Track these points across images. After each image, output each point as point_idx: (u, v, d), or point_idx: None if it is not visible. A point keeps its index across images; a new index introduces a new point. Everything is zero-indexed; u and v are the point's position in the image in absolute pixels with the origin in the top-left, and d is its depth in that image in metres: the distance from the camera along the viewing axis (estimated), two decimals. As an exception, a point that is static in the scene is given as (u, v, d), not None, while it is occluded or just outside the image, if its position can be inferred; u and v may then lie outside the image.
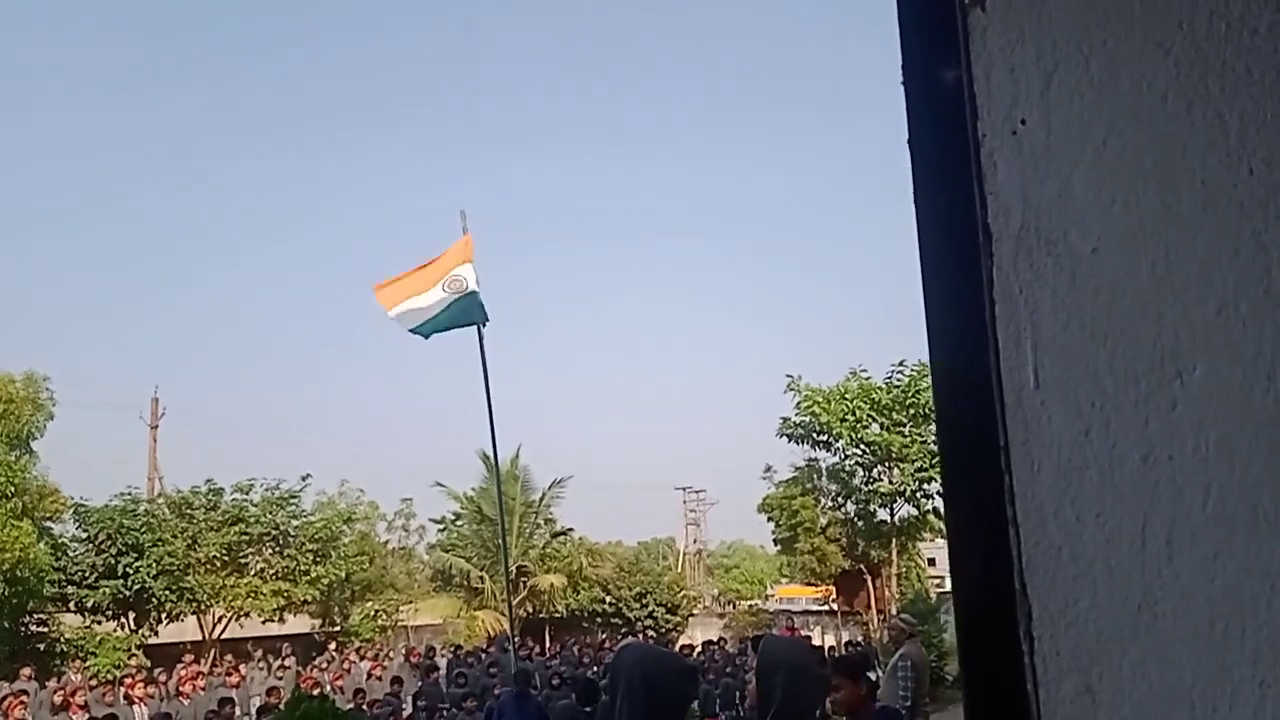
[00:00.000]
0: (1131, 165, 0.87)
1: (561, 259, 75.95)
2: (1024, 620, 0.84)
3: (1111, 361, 0.85)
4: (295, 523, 25.10)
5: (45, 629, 21.10)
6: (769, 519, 29.42)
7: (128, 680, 16.93)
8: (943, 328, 0.93)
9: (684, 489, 55.42)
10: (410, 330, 12.17)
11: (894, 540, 26.38)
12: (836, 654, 21.40)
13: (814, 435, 26.35)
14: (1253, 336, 0.81)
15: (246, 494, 24.75)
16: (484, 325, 12.42)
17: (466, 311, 12.36)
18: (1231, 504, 0.80)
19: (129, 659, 20.99)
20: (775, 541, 31.11)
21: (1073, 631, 0.82)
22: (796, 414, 26.17)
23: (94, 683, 16.68)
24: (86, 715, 13.45)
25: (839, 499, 27.82)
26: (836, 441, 25.98)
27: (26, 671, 16.93)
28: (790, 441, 26.83)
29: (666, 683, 3.56)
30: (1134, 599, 0.81)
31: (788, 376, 26.21)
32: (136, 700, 15.22)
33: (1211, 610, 0.79)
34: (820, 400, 25.50)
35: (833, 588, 30.00)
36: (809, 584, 32.15)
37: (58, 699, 14.54)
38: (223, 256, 64.29)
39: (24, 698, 14.06)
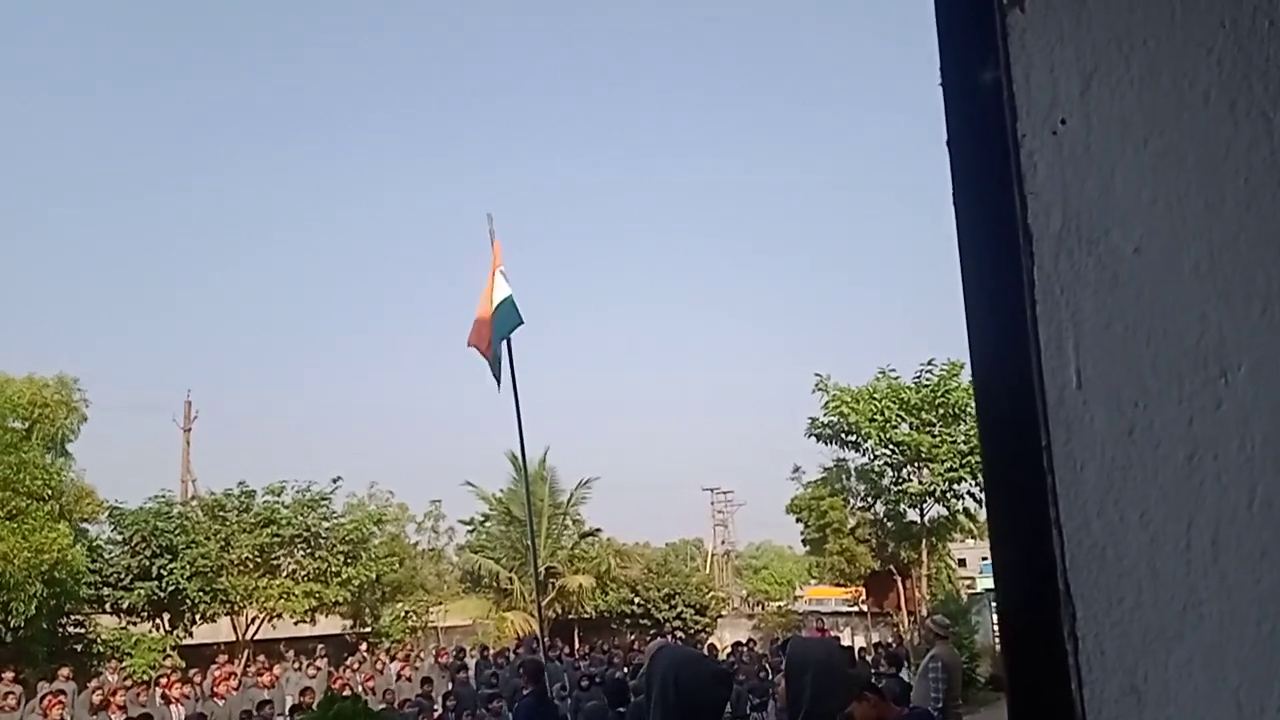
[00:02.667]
0: (1173, 164, 0.87)
1: (588, 257, 76.16)
2: (1068, 621, 0.84)
3: (1155, 361, 0.85)
4: (326, 524, 25.30)
5: (82, 630, 21.36)
6: (797, 520, 29.33)
7: (164, 680, 17.15)
8: (984, 328, 0.93)
9: (712, 490, 55.38)
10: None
11: (924, 541, 26.21)
12: (867, 655, 21.32)
13: (842, 435, 26.25)
14: (1298, 336, 0.81)
15: (278, 496, 24.97)
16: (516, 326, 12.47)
17: (506, 320, 12.41)
18: (1278, 503, 0.80)
19: (164, 660, 21.23)
20: (804, 542, 31.01)
21: (1117, 631, 0.82)
22: (825, 414, 26.10)
23: (130, 683, 16.88)
24: (125, 715, 13.62)
25: (868, 499, 27.71)
26: (865, 441, 25.87)
27: (65, 672, 17.17)
28: (819, 441, 26.75)
29: (700, 687, 3.55)
30: (1179, 599, 0.81)
31: (816, 376, 26.15)
32: (173, 700, 15.42)
33: (1259, 610, 0.79)
34: (849, 400, 25.41)
35: (862, 589, 29.87)
36: (838, 585, 32.01)
37: (97, 699, 14.74)
38: (255, 258, 64.93)
39: (62, 698, 14.25)
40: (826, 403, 25.94)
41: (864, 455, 26.75)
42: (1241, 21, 0.86)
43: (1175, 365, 0.84)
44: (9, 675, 16.99)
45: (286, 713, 14.13)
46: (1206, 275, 0.84)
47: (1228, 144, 0.85)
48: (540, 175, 71.24)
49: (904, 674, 13.79)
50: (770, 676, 17.29)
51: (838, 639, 23.56)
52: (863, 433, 25.50)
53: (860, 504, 28.25)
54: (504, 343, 12.22)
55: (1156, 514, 0.83)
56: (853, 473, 27.86)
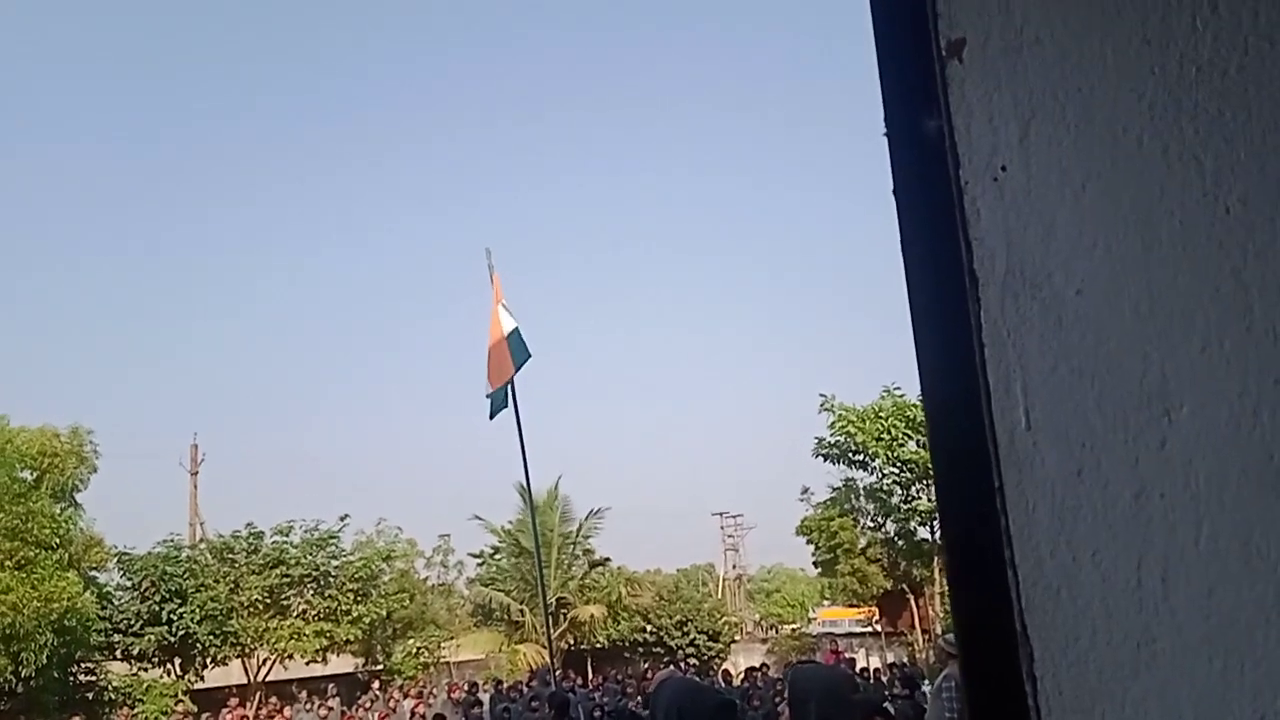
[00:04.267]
0: (1111, 208, 0.88)
1: (589, 283, 76.20)
2: (1026, 661, 0.85)
3: (1100, 402, 0.86)
4: (335, 563, 25.30)
5: (93, 677, 21.33)
6: (808, 541, 29.27)
7: (175, 726, 17.10)
8: (935, 372, 0.95)
9: (721, 514, 55.25)
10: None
11: (935, 559, 26.09)
12: (882, 676, 21.17)
13: (849, 455, 26.26)
14: (1237, 374, 0.83)
15: (286, 536, 25.00)
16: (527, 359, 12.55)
17: (516, 354, 12.49)
18: (1224, 540, 0.81)
19: (176, 705, 21.19)
20: (815, 564, 30.94)
21: (1074, 671, 0.83)
22: (831, 434, 26.11)
23: (142, 730, 16.84)
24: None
25: (878, 518, 27.64)
26: (873, 460, 25.85)
27: (76, 720, 17.17)
28: (826, 461, 26.77)
29: (702, 718, 3.54)
30: (1133, 637, 0.82)
31: (821, 396, 26.19)
32: (184, 746, 15.36)
33: (1209, 647, 0.80)
34: (855, 419, 25.42)
35: (875, 609, 29.73)
36: (851, 605, 31.88)
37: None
38: (256, 297, 65.11)
39: (74, 747, 14.22)
40: (833, 423, 25.96)
41: (872, 474, 26.74)
42: (1169, 68, 0.88)
43: (1120, 405, 0.86)
44: (21, 727, 16.99)
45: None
46: (1147, 315, 0.86)
47: (1161, 186, 0.87)
48: (539, 201, 71.52)
49: (923, 691, 13.70)
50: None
51: (852, 660, 23.43)
52: (870, 452, 25.48)
53: (870, 523, 28.20)
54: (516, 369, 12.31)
55: (1107, 553, 0.84)
56: (862, 492, 27.82)
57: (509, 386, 12.45)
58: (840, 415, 25.77)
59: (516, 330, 12.61)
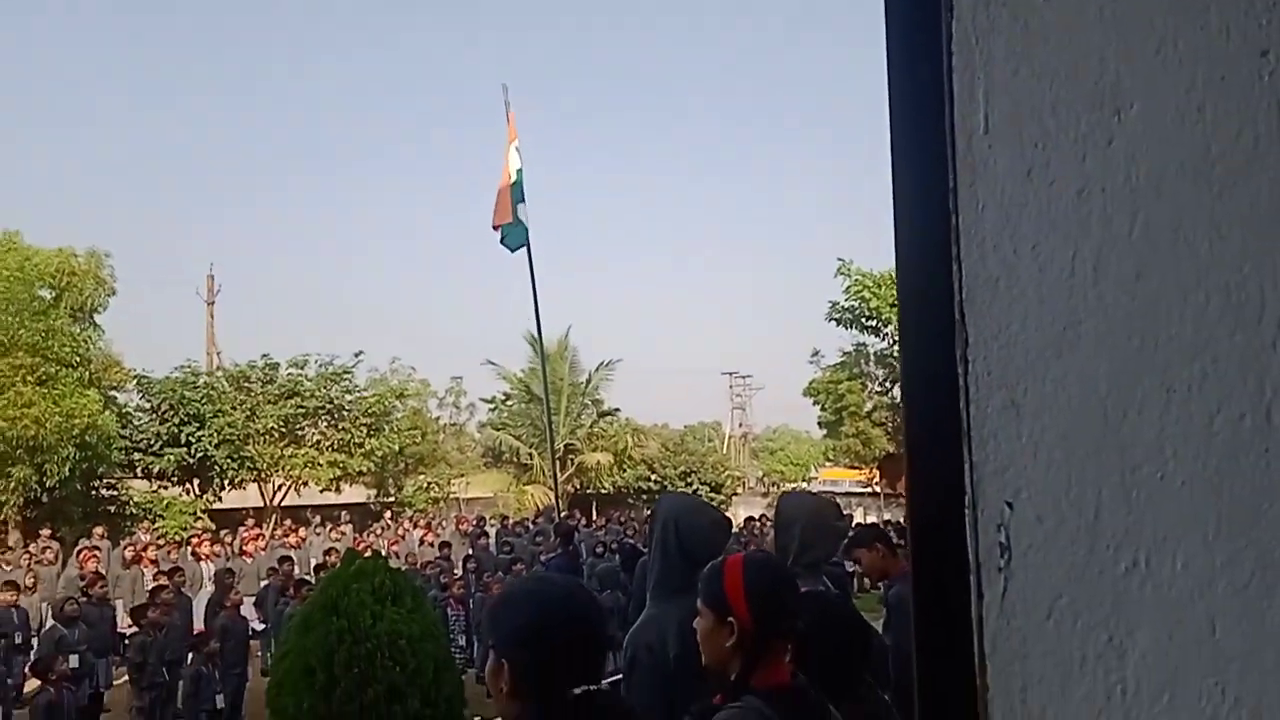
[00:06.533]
0: (1086, -89, 0.89)
1: (605, 137, 74.93)
2: (961, 346, 0.90)
3: (1055, 104, 0.89)
4: (349, 397, 25.79)
5: (115, 493, 22.07)
6: (815, 403, 29.62)
7: (194, 540, 17.81)
8: (903, 81, 0.97)
9: (730, 374, 55.81)
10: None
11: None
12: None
13: (863, 320, 26.23)
14: (1187, 72, 0.85)
15: (301, 369, 25.42)
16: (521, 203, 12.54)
17: (515, 197, 12.50)
18: (1155, 229, 0.85)
19: (195, 522, 22.00)
20: (820, 425, 31.38)
21: (1004, 353, 0.89)
22: (846, 298, 26.03)
23: (162, 542, 17.55)
24: (156, 569, 14.21)
25: (886, 384, 27.85)
26: (885, 326, 25.83)
27: (99, 530, 17.88)
28: (839, 326, 26.76)
29: (699, 532, 3.67)
30: (1060, 320, 0.87)
31: (838, 260, 25.97)
32: (204, 558, 16.04)
33: (1129, 325, 0.85)
34: (870, 285, 25.28)
35: (876, 471, 30.29)
36: (853, 467, 32.48)
37: (129, 554, 15.37)
38: (277, 139, 64.35)
39: (97, 553, 14.88)
40: (848, 287, 25.85)
41: (884, 340, 26.78)
42: None
43: (1074, 107, 0.89)
44: (46, 532, 17.71)
45: (312, 571, 14.68)
46: (1109, 19, 0.88)
47: (1137, -111, 0.88)
48: (560, 40, 69.68)
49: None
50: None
51: (850, 517, 24.03)
52: (883, 318, 25.44)
53: (878, 388, 28.43)
54: (523, 212, 12.32)
55: (1046, 245, 0.88)
56: (872, 357, 27.95)
57: (525, 225, 12.47)
58: (856, 280, 25.64)
59: (520, 173, 12.61)
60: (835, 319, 26.66)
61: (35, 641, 11.48)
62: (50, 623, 11.05)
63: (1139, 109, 0.87)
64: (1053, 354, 0.88)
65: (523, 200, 12.54)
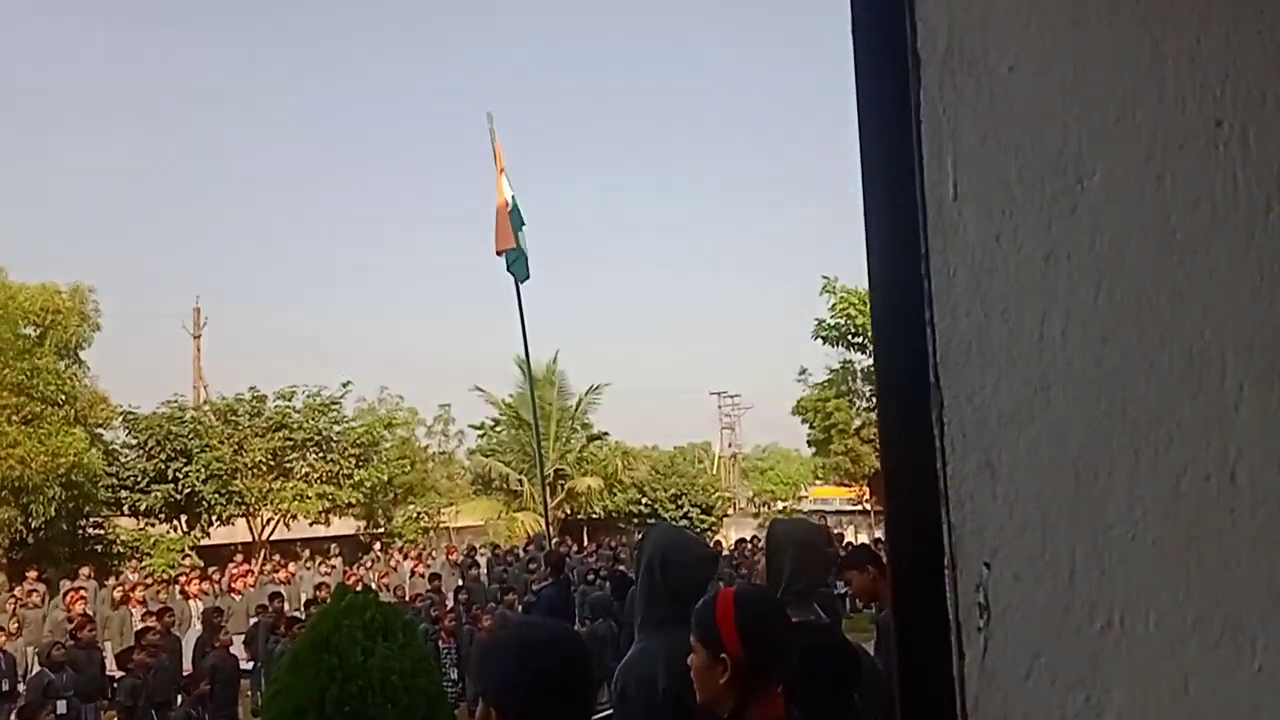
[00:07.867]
0: (1045, -15, 0.92)
1: (593, 155, 75.18)
2: (937, 408, 0.93)
3: (1021, 171, 0.92)
4: (337, 428, 25.69)
5: (102, 531, 21.91)
6: (803, 421, 29.68)
7: (182, 578, 17.68)
8: (874, 149, 1.00)
9: (719, 394, 55.85)
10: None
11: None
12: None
13: (849, 337, 26.40)
14: (1146, 141, 0.88)
15: (289, 401, 25.32)
16: (522, 229, 12.55)
17: (514, 223, 12.51)
18: (1120, 294, 0.88)
19: (183, 559, 21.85)
20: (809, 443, 31.42)
21: (978, 415, 0.91)
22: (832, 316, 26.18)
23: (150, 581, 17.41)
24: (145, 609, 14.10)
25: (873, 400, 27.92)
26: (871, 343, 25.97)
27: (85, 571, 17.70)
28: (825, 344, 26.93)
29: (685, 567, 3.66)
30: (1031, 383, 0.90)
31: (824, 278, 26.16)
32: (192, 596, 15.93)
33: (1098, 390, 0.88)
34: (856, 302, 25.42)
35: (866, 488, 30.33)
36: (842, 485, 32.53)
37: (117, 595, 15.23)
38: (259, 163, 64.36)
39: (84, 594, 14.76)
40: (834, 304, 26.00)
41: (870, 356, 26.88)
42: None
43: (1039, 174, 0.92)
44: (32, 575, 17.54)
45: (302, 607, 14.60)
46: (1071, 90, 0.91)
47: (1092, -36, 0.91)
48: (543, 63, 70.04)
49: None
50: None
51: (840, 536, 24.04)
52: (869, 334, 25.55)
53: (866, 405, 28.51)
54: (523, 240, 12.35)
55: (1015, 310, 0.91)
56: (859, 374, 28.08)
57: (526, 254, 12.49)
58: (842, 297, 25.80)
59: (514, 200, 12.63)
60: (822, 336, 26.82)
61: (22, 688, 11.35)
62: (37, 668, 10.94)
63: (1100, 177, 0.90)
64: (1025, 416, 0.90)
65: (523, 225, 12.56)
